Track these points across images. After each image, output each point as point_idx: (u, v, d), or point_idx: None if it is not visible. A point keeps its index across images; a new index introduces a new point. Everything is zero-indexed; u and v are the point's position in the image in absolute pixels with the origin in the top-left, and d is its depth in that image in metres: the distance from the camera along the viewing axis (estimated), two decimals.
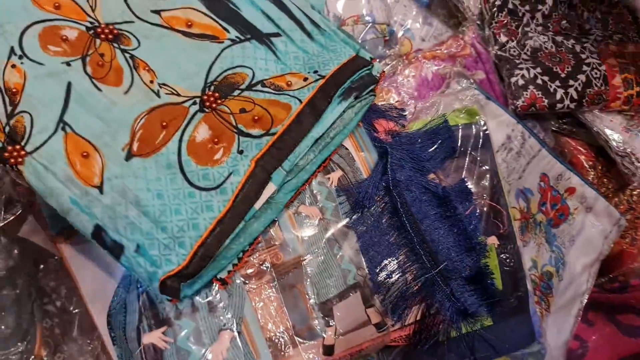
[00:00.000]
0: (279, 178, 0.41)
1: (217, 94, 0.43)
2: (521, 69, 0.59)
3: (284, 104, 0.43)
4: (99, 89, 0.41)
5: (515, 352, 0.47)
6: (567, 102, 0.58)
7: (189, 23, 0.45)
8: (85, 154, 0.39)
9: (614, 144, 0.60)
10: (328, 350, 0.45)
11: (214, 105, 0.43)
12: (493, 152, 0.50)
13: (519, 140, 0.54)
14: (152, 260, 0.38)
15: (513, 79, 0.58)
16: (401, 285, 0.46)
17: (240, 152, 0.41)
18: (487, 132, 0.50)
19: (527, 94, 0.58)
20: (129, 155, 0.40)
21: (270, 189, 0.41)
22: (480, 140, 0.50)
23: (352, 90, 0.45)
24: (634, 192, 0.62)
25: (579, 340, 0.58)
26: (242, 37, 0.46)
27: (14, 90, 0.39)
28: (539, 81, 0.58)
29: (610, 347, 0.57)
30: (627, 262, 0.61)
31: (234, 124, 0.42)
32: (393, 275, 0.46)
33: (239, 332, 0.46)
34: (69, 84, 0.40)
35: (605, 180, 0.63)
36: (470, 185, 0.50)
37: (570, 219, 0.57)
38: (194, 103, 0.42)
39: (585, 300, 0.57)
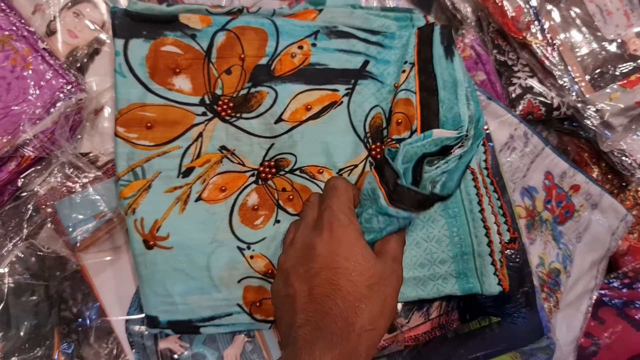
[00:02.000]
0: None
1: (377, 142, 0.46)
2: (518, 77, 0.59)
3: (408, 100, 0.45)
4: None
5: (524, 347, 0.47)
6: (563, 109, 0.58)
7: (308, 107, 0.45)
8: None
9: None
10: None
11: (377, 152, 0.46)
12: (494, 151, 0.51)
13: (522, 140, 0.54)
14: None
15: (511, 88, 0.59)
16: None
17: None
18: (487, 131, 0.51)
19: (524, 103, 0.58)
20: None
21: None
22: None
23: (449, 45, 0.46)
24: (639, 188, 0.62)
25: (591, 338, 0.58)
26: (351, 85, 0.46)
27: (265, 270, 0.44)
28: (536, 90, 0.59)
29: (623, 343, 0.57)
30: (636, 257, 0.61)
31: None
32: None
33: (252, 336, 0.47)
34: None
35: (610, 176, 0.63)
36: None
37: (576, 216, 0.57)
38: (369, 162, 0.45)
39: (595, 297, 0.57)
